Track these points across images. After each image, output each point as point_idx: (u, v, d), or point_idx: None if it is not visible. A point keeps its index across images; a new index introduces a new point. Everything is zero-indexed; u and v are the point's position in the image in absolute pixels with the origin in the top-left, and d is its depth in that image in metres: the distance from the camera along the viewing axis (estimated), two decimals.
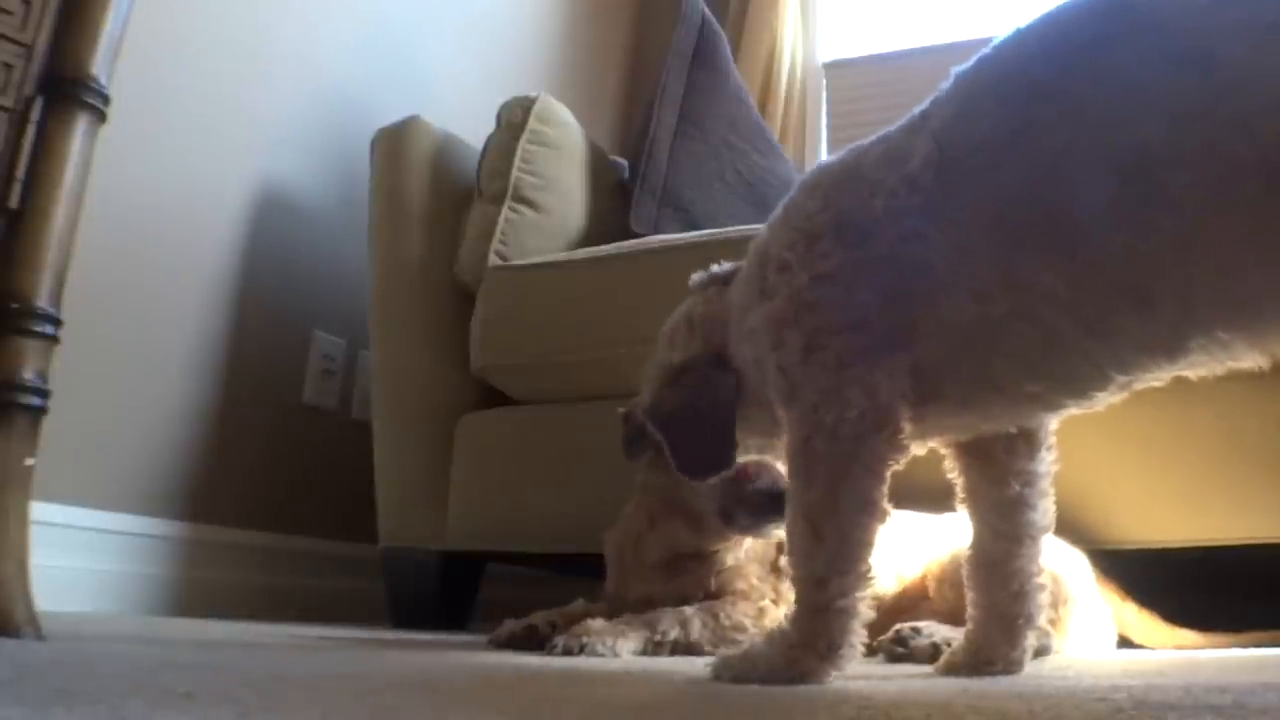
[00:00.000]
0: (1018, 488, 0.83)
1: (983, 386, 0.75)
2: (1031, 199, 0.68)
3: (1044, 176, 0.67)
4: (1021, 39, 0.72)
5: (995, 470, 0.83)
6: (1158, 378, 0.72)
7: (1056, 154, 0.67)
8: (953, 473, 0.86)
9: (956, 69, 0.75)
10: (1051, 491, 0.85)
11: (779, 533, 1.12)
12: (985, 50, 0.74)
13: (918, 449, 0.83)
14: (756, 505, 1.08)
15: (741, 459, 1.06)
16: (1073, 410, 0.78)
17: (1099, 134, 0.65)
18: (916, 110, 0.77)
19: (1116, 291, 0.66)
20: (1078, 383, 0.73)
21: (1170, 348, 0.68)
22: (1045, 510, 0.84)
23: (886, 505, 0.74)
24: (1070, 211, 0.66)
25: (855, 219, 0.75)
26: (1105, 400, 0.75)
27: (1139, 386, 0.73)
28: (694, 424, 0.87)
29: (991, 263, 0.70)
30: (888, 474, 0.75)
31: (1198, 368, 0.70)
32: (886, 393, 0.73)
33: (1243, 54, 0.60)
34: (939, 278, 0.72)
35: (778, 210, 0.84)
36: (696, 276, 0.95)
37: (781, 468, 1.11)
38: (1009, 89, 0.70)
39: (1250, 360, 0.67)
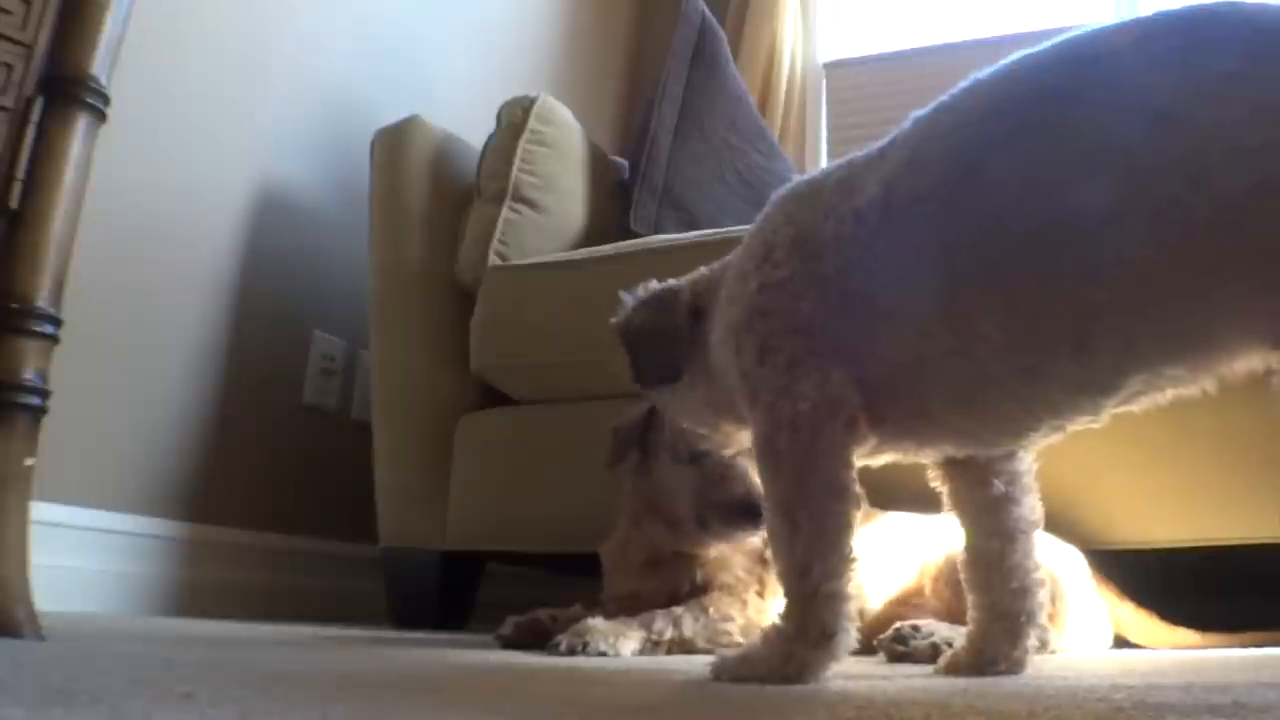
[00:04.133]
0: (1001, 486, 0.84)
1: (919, 416, 0.77)
2: (972, 251, 0.69)
3: (986, 232, 0.69)
4: (976, 91, 0.73)
5: (976, 473, 0.85)
6: (1095, 419, 0.73)
7: (1003, 207, 0.68)
8: (935, 480, 0.88)
9: (915, 113, 0.77)
10: (1036, 487, 0.86)
11: (754, 540, 1.14)
12: (943, 97, 0.75)
13: (890, 456, 0.84)
14: (729, 512, 1.11)
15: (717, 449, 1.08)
16: (1009, 448, 0.82)
17: (1049, 188, 0.66)
18: (879, 144, 0.79)
19: (1052, 340, 0.68)
20: (1008, 423, 0.75)
21: (1104, 389, 0.69)
22: (1032, 506, 0.85)
23: (858, 489, 0.76)
24: (1012, 263, 0.68)
25: (810, 235, 0.78)
26: (1039, 441, 0.78)
27: (1073, 429, 0.75)
28: (651, 338, 0.90)
29: (930, 303, 0.71)
30: (851, 458, 0.76)
31: (1138, 401, 0.71)
32: (838, 383, 0.75)
33: (1197, 109, 0.61)
34: (878, 309, 0.74)
35: (755, 223, 0.86)
36: None
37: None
38: (959, 140, 0.72)
39: (1195, 387, 0.69)
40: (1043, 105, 0.68)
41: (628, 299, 0.95)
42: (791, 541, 0.75)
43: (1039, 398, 0.71)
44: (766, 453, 0.77)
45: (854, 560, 0.75)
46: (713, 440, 1.01)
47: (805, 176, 0.85)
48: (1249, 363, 0.66)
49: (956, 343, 0.71)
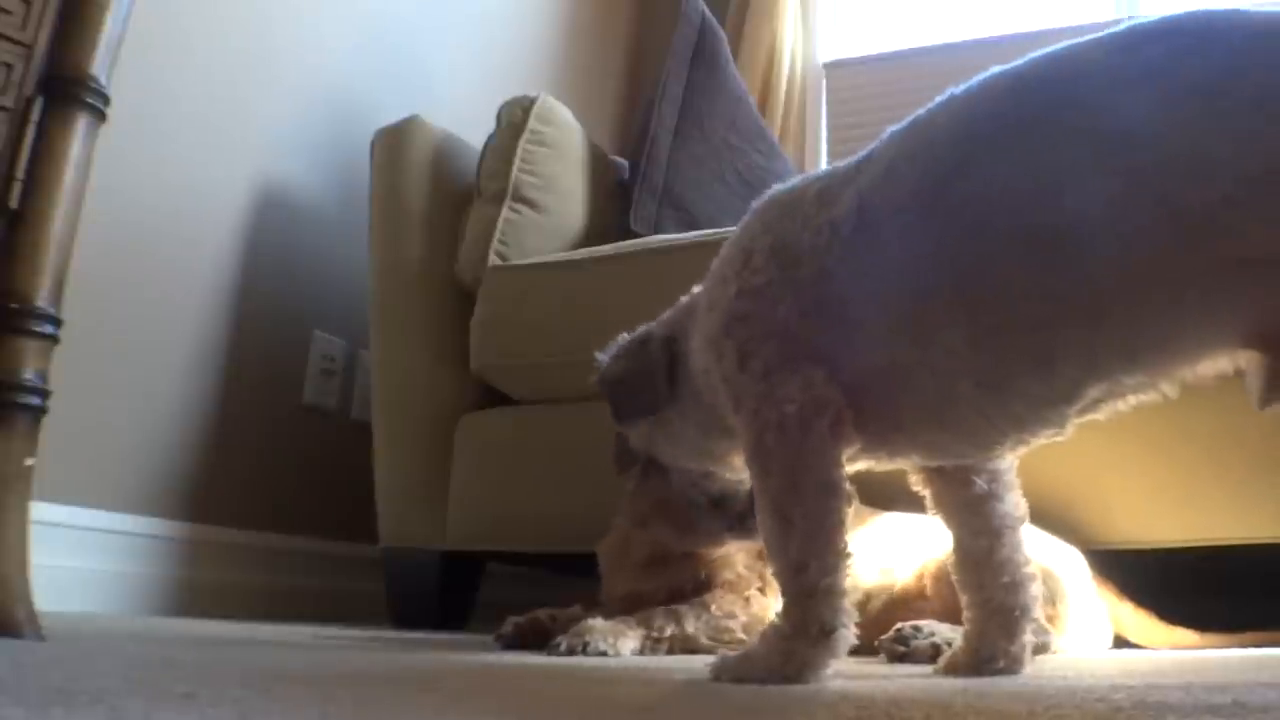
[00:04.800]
0: (983, 485, 0.84)
1: (893, 428, 0.78)
2: (940, 264, 0.70)
3: (954, 248, 0.70)
4: (950, 107, 0.74)
5: (957, 474, 0.85)
6: (1060, 431, 0.75)
7: (969, 227, 0.69)
8: (917, 485, 0.88)
9: (892, 128, 0.78)
10: (1018, 484, 0.87)
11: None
12: (920, 111, 0.76)
13: (867, 463, 0.84)
14: (746, 509, 1.09)
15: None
16: (976, 460, 0.83)
17: (1014, 211, 0.67)
18: (856, 156, 0.80)
19: (1016, 353, 0.69)
20: (974, 436, 0.76)
21: (1066, 398, 0.71)
22: (1015, 502, 0.86)
23: (849, 486, 0.76)
24: (976, 278, 0.69)
25: (788, 243, 0.79)
26: (1006, 453, 0.80)
27: (1037, 442, 0.76)
28: (626, 381, 0.93)
29: (900, 314, 0.73)
30: (841, 456, 0.77)
31: (1099, 409, 0.73)
32: (821, 384, 0.75)
33: (1166, 124, 0.62)
34: (852, 318, 0.75)
35: (735, 230, 0.87)
36: None
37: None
38: (931, 158, 0.72)
39: (1156, 394, 0.70)
40: (1014, 122, 0.69)
41: (602, 357, 0.97)
42: (786, 540, 0.75)
43: (1003, 412, 0.73)
44: (757, 453, 0.78)
45: (849, 556, 0.75)
46: (708, 468, 1.01)
47: (785, 185, 0.86)
48: (1215, 365, 0.67)
49: (923, 355, 0.72)
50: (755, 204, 0.86)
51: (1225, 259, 0.60)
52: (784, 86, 2.77)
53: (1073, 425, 0.74)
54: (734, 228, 1.73)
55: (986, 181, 0.69)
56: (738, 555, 1.18)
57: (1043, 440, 0.76)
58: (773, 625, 0.76)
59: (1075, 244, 0.64)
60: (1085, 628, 1.17)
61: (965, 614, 0.85)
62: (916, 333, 0.72)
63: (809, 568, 0.73)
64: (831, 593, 0.73)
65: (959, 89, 0.74)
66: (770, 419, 0.76)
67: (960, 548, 0.86)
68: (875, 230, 0.74)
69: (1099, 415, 0.74)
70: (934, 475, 0.86)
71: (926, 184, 0.72)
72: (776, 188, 0.87)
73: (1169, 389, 0.70)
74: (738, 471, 0.98)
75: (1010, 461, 0.86)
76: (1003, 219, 0.67)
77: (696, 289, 0.94)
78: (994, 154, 0.69)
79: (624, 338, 0.97)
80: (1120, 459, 1.29)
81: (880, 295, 0.74)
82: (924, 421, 0.76)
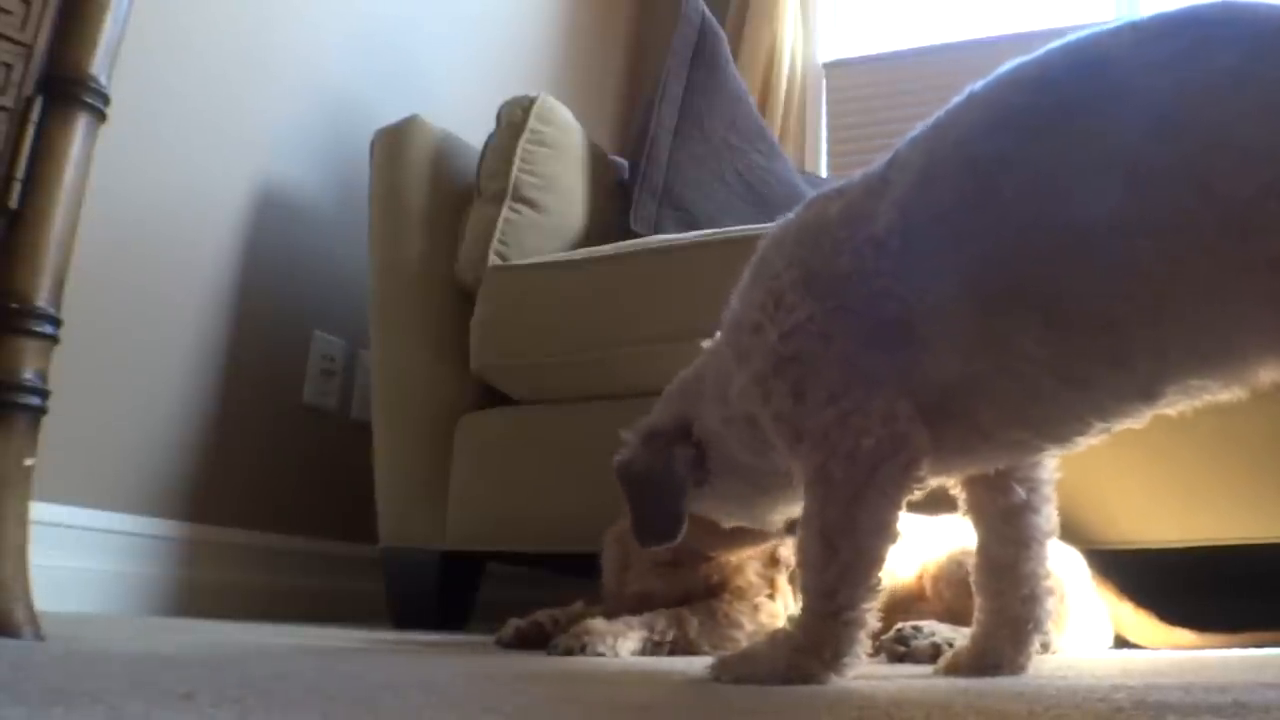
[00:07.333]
0: (1023, 494, 0.83)
1: (973, 434, 0.76)
2: (998, 267, 0.69)
3: (1009, 246, 0.68)
4: (974, 103, 0.72)
5: (1000, 479, 0.84)
6: (1136, 420, 0.73)
7: (1021, 225, 0.67)
8: (954, 486, 0.87)
9: (911, 134, 0.75)
10: (1054, 497, 0.85)
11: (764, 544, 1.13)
12: (940, 114, 0.74)
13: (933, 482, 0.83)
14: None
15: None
16: (1058, 452, 0.81)
17: (1061, 199, 0.66)
18: (875, 169, 0.77)
19: (1091, 352, 0.67)
20: (1062, 429, 0.75)
21: (1147, 395, 0.69)
22: (1049, 515, 0.85)
23: (898, 529, 0.75)
24: (1038, 280, 0.67)
25: (821, 273, 0.76)
26: (1086, 443, 0.77)
27: (1118, 429, 0.75)
28: (650, 492, 0.89)
29: (969, 323, 0.70)
30: (902, 500, 0.75)
31: (1175, 407, 0.72)
32: (904, 420, 0.73)
33: (1200, 111, 0.60)
34: (919, 335, 0.72)
35: (746, 275, 0.84)
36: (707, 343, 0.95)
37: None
38: (968, 155, 0.71)
39: (1226, 395, 0.69)
40: (1048, 113, 0.67)
41: (630, 438, 0.93)
42: (825, 564, 0.73)
43: (1089, 405, 0.71)
44: (818, 479, 0.74)
45: (879, 590, 0.74)
46: (760, 523, 0.98)
47: (786, 219, 0.83)
48: (1272, 375, 0.65)
49: (1001, 361, 0.70)
50: (762, 245, 0.83)
51: (1266, 260, 0.59)
52: (784, 86, 2.77)
53: (1148, 416, 0.73)
54: (733, 228, 1.72)
55: (1028, 176, 0.67)
56: (751, 562, 1.17)
57: (1121, 428, 0.75)
58: (785, 632, 0.75)
59: (1120, 238, 0.63)
60: (1085, 628, 1.17)
61: (976, 616, 0.85)
62: (989, 340, 0.70)
63: (838, 594, 0.72)
64: (853, 623, 0.72)
65: (978, 86, 0.72)
66: (841, 447, 0.73)
67: (985, 553, 0.85)
68: (925, 239, 0.71)
69: (1170, 411, 0.72)
70: (974, 480, 0.85)
71: (968, 185, 0.70)
72: (777, 223, 0.83)
73: (1241, 393, 0.68)
74: (771, 528, 0.96)
75: (1052, 473, 0.85)
76: (1049, 215, 0.66)
77: (689, 372, 0.91)
78: (1032, 146, 0.67)
79: (652, 421, 0.92)
80: (1121, 459, 1.29)
81: (943, 307, 0.71)
82: (1011, 424, 0.74)
